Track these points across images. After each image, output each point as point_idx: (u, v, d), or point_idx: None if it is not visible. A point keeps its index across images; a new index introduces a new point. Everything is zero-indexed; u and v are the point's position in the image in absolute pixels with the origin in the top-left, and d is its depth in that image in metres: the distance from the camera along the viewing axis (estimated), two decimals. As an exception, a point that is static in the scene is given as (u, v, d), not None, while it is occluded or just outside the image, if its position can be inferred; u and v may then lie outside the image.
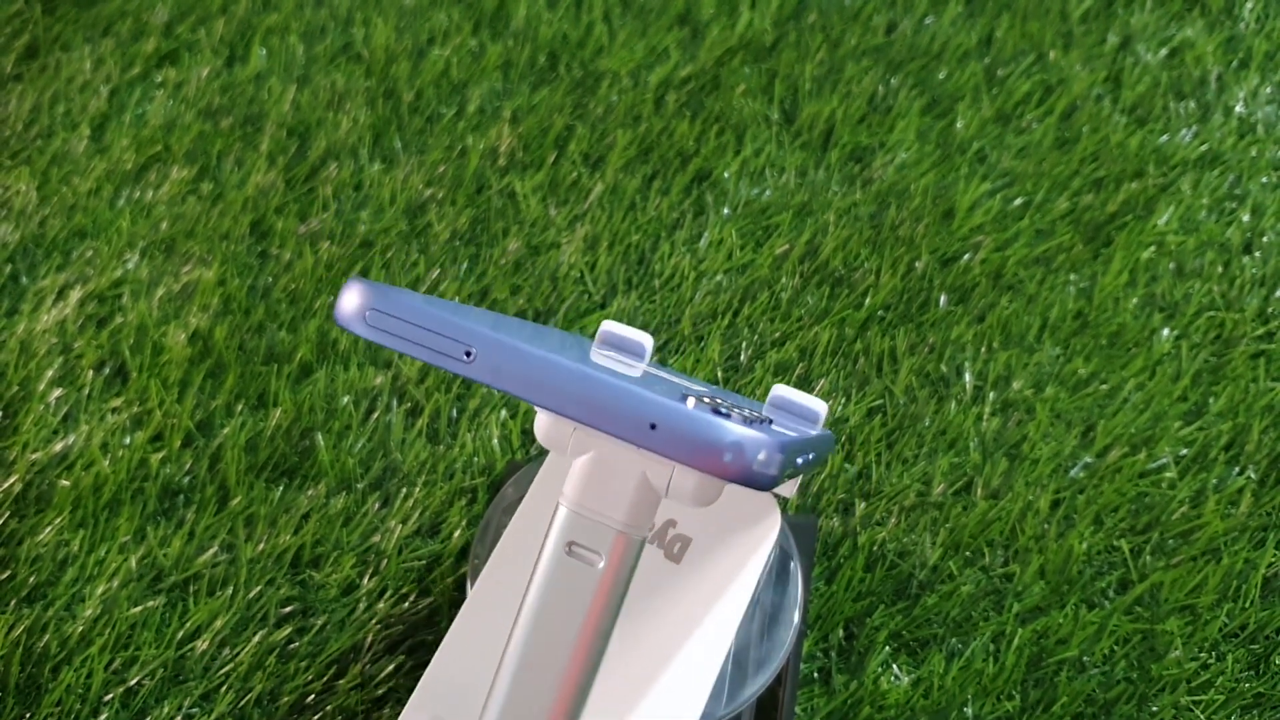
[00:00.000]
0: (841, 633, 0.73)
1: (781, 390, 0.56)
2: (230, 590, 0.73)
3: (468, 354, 0.45)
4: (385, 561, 0.74)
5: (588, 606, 0.48)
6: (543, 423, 0.49)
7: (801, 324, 0.85)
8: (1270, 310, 0.86)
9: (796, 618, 0.65)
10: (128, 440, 0.78)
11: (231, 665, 0.70)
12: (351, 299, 0.46)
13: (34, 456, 0.77)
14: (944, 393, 0.82)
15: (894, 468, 0.79)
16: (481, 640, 0.59)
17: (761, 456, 0.42)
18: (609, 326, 0.59)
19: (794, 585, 0.66)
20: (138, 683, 0.70)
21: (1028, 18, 1.03)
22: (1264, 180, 0.93)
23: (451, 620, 0.72)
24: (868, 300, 0.86)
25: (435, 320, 0.45)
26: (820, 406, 0.55)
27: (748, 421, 0.43)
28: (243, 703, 0.69)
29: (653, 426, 0.42)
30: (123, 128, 0.94)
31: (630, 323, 0.85)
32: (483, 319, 0.48)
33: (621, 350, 0.57)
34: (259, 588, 0.73)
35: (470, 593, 0.62)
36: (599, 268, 0.87)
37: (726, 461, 0.42)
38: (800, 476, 0.49)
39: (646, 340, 0.57)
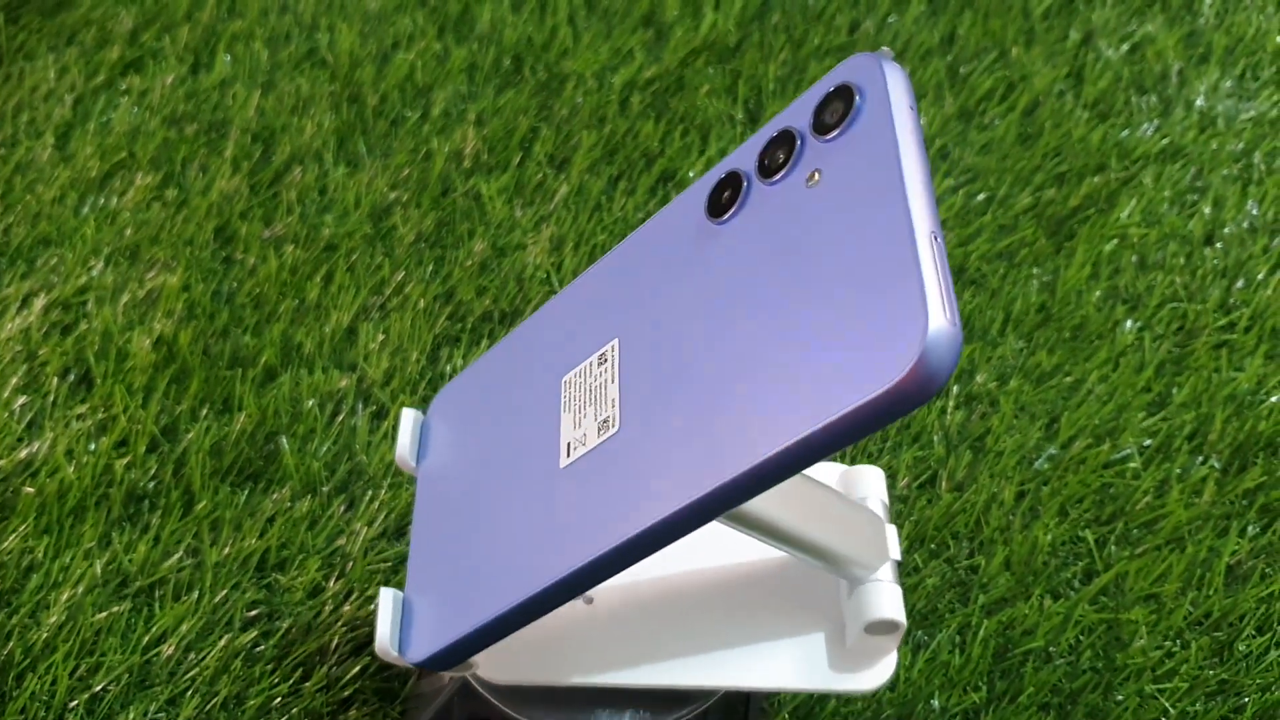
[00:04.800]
0: (808, 627, 0.73)
1: None
2: (196, 595, 0.72)
3: None
4: (351, 564, 0.74)
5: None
6: None
7: (767, 321, 0.85)
8: (1232, 301, 0.87)
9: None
10: (92, 446, 0.78)
11: (197, 670, 0.70)
12: None
13: (-2, 464, 0.77)
14: (909, 387, 0.82)
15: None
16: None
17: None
18: None
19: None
20: (103, 689, 0.69)
21: (990, 15, 1.03)
22: (1225, 173, 0.94)
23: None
24: (832, 297, 0.86)
25: None
26: None
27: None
28: (209, 707, 0.69)
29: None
30: (87, 135, 0.94)
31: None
32: None
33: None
34: (224, 592, 0.72)
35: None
36: (565, 269, 0.88)
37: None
38: None
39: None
